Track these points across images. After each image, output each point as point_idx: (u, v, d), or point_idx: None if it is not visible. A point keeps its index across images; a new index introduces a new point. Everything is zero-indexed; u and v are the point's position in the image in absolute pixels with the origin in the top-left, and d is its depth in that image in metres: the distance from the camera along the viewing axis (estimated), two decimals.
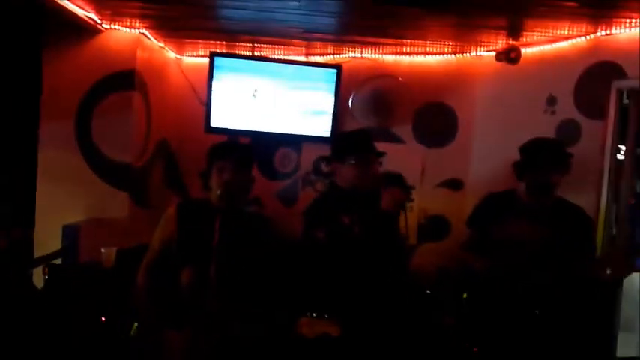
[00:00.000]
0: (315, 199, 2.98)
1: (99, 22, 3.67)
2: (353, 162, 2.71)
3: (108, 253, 3.11)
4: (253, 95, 4.37)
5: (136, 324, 2.42)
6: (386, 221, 2.72)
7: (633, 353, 2.39)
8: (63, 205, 3.77)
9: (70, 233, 3.49)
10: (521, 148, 2.90)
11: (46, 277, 3.05)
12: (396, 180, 2.81)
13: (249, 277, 2.37)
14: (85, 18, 3.49)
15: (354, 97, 4.49)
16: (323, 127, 4.46)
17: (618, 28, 3.36)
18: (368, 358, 2.46)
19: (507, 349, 2.67)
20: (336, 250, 2.65)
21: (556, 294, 2.72)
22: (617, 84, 3.42)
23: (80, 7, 3.36)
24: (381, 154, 2.79)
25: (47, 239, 3.58)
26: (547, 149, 2.86)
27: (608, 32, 3.44)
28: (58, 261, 3.39)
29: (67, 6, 3.21)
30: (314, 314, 2.44)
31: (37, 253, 3.56)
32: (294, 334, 2.38)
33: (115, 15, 3.62)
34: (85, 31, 3.68)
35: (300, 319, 2.42)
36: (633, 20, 3.23)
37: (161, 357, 2.38)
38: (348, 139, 2.93)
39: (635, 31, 3.29)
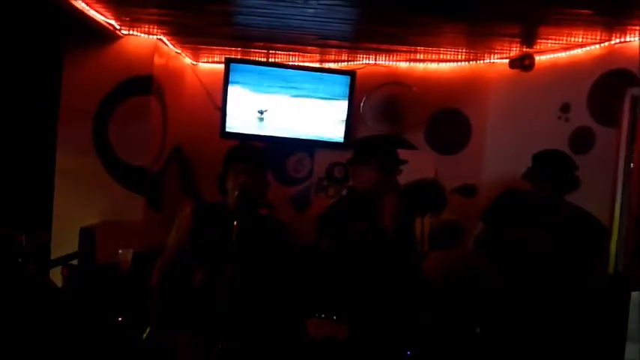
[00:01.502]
0: (331, 204, 2.99)
1: (118, 28, 3.73)
2: (376, 164, 2.69)
3: (125, 254, 3.14)
4: (259, 112, 4.43)
5: (148, 328, 2.43)
6: (399, 229, 2.72)
7: None
8: (80, 207, 3.83)
9: (87, 235, 3.54)
10: (534, 156, 2.90)
11: (65, 277, 3.09)
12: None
13: (265, 278, 2.39)
14: (105, 24, 3.55)
15: (364, 102, 4.52)
16: (337, 133, 4.50)
17: (632, 35, 3.37)
18: None
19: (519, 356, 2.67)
20: (343, 258, 2.65)
21: (568, 302, 2.71)
22: (631, 91, 3.40)
23: (100, 14, 3.41)
24: (403, 162, 2.79)
25: (64, 241, 3.64)
26: (555, 166, 2.83)
27: (622, 40, 3.44)
28: (75, 262, 3.44)
29: (87, 12, 3.26)
30: (322, 315, 2.45)
31: (54, 254, 3.61)
32: (301, 335, 2.40)
33: (134, 21, 3.68)
34: (104, 36, 3.74)
35: (308, 320, 2.44)
36: None
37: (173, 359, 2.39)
38: (375, 142, 2.93)
39: None
